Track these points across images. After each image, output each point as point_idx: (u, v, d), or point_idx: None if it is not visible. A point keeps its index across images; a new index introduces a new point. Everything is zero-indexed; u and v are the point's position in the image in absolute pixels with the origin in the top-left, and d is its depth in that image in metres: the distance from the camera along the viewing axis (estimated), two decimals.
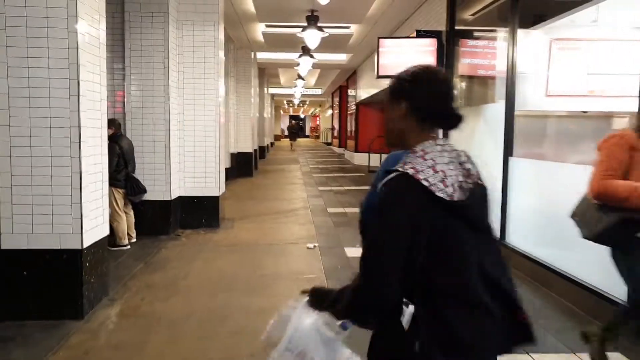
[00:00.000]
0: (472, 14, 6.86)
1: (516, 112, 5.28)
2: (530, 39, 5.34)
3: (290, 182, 12.52)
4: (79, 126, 3.44)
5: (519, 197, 5.27)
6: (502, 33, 6.04)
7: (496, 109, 5.84)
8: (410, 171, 1.18)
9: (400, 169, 1.20)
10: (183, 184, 6.89)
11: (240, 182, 12.36)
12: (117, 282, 4.43)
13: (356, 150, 17.68)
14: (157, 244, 6.02)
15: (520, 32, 5.25)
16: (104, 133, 3.92)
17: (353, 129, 19.07)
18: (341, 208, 8.56)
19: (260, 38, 11.42)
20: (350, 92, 19.64)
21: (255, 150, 14.85)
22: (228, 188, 11.06)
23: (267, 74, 20.44)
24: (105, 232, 3.98)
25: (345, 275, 4.81)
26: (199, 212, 6.93)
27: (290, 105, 39.93)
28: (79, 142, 3.44)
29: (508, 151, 5.35)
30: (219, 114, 7.08)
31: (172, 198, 6.51)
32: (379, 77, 7.31)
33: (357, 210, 1.60)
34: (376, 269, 1.17)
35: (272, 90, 25.84)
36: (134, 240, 6.07)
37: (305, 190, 10.96)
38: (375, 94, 14.00)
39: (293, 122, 24.05)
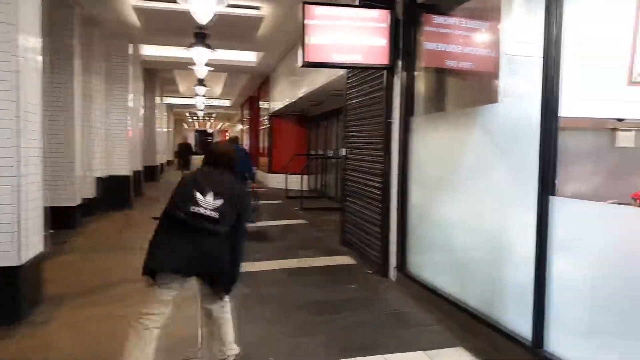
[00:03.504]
0: None
1: (562, 120, 2.89)
2: None
3: None
4: None
5: (571, 269, 2.86)
6: None
7: (509, 112, 3.43)
8: None
9: None
10: None
11: (109, 218, 8.98)
12: None
13: (270, 171, 14.90)
14: None
15: None
16: None
17: (266, 145, 16.30)
18: (250, 263, 5.70)
19: (134, 18, 8.31)
20: (263, 104, 16.90)
21: (137, 172, 11.48)
22: (83, 231, 7.55)
23: (160, 78, 17.04)
24: None
25: None
26: None
27: (195, 118, 36.16)
28: None
29: (546, 187, 2.93)
30: (18, 112, 3.91)
31: None
32: (306, 64, 4.65)
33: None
34: None
35: (170, 100, 22.30)
36: None
37: None
38: (292, 103, 11.40)
39: (189, 135, 15.79)
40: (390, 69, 4.77)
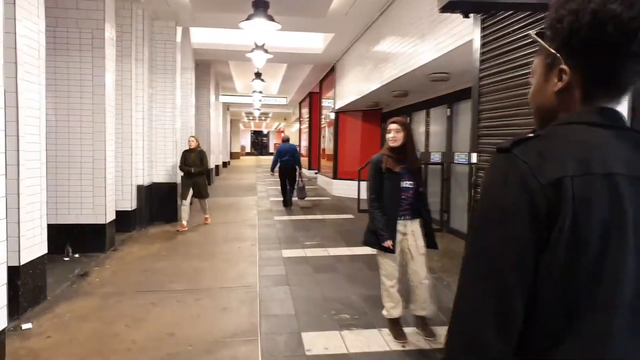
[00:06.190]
0: None
1: None
2: None
3: (235, 234, 7.61)
4: None
5: None
6: None
7: None
8: None
9: None
10: None
11: (150, 236, 7.35)
12: None
13: (335, 177, 12.92)
14: None
15: None
16: None
17: (329, 146, 14.36)
18: (341, 343, 3.67)
19: None
20: (326, 101, 14.97)
21: None
22: (113, 256, 5.69)
23: (215, 74, 15.56)
24: None
25: None
26: None
27: (251, 118, 34.96)
28: None
29: None
30: None
31: None
32: (447, 6, 2.62)
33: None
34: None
35: (226, 99, 20.94)
36: None
37: (258, 257, 6.08)
38: (371, 94, 9.34)
39: (192, 139, 7.74)
40: None
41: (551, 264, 0.74)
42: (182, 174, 8.02)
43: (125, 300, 4.44)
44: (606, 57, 0.79)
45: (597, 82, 0.83)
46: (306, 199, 10.48)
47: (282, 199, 10.51)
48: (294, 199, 10.45)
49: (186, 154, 7.88)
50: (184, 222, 7.80)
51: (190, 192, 7.81)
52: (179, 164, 8.04)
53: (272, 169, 10.24)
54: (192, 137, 8.03)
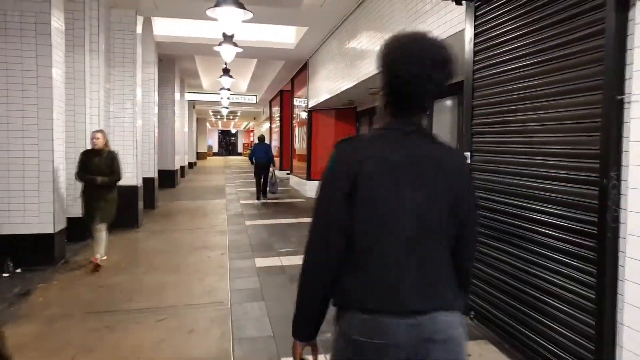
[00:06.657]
0: None
1: None
2: None
3: (203, 242, 7.00)
4: None
5: None
6: None
7: None
8: None
9: None
10: None
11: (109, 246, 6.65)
12: None
13: (309, 177, 12.42)
14: None
15: None
16: None
17: (301, 147, 13.85)
18: None
19: None
20: (298, 100, 14.44)
21: (149, 179, 9.18)
22: (64, 270, 4.82)
23: (180, 70, 14.78)
24: None
25: None
26: None
27: (218, 117, 34.00)
28: None
29: None
30: None
31: None
32: None
33: None
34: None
35: (192, 97, 20.11)
36: None
37: (229, 268, 5.53)
38: (344, 93, 8.89)
39: (97, 135, 5.36)
40: None
41: (355, 214, 1.30)
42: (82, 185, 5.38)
43: (73, 325, 3.81)
44: (396, 94, 1.37)
45: (395, 106, 1.38)
46: (276, 193, 11.92)
47: (254, 201, 11.40)
48: (269, 195, 11.78)
49: (88, 157, 5.29)
50: (98, 256, 5.26)
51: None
52: (75, 170, 5.35)
53: (251, 160, 11.61)
54: (98, 132, 5.39)
